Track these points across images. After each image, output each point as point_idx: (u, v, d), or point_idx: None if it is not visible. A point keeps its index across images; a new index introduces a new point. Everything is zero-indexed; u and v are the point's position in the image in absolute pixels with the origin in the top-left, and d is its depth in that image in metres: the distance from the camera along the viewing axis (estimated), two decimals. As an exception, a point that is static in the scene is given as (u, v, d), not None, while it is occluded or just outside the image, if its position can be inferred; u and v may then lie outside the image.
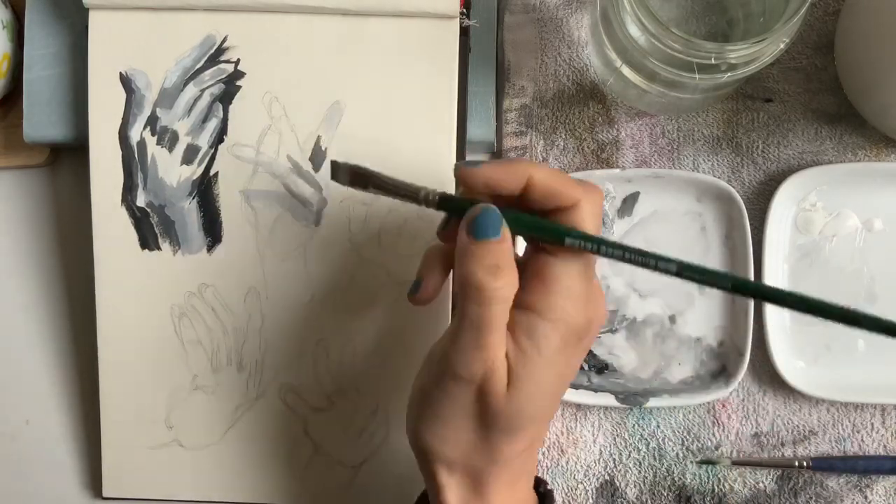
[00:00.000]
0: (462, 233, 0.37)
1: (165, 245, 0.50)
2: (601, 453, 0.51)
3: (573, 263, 0.37)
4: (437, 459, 0.39)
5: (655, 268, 0.36)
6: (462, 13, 0.48)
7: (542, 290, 0.37)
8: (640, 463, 0.51)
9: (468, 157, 0.50)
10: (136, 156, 0.50)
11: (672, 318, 0.51)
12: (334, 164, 0.39)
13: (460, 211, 0.38)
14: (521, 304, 0.37)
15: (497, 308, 0.36)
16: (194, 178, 0.50)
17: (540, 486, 0.43)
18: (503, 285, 0.36)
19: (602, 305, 0.39)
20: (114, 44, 0.49)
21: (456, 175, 0.38)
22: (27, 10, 0.51)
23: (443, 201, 0.38)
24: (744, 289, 0.37)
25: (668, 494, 0.51)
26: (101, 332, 0.50)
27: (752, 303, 0.50)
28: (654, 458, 0.51)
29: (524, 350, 0.37)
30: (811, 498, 0.51)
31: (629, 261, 0.36)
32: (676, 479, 0.51)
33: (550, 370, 0.37)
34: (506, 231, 0.37)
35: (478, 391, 0.37)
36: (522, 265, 0.38)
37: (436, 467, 0.39)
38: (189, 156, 0.50)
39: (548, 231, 0.37)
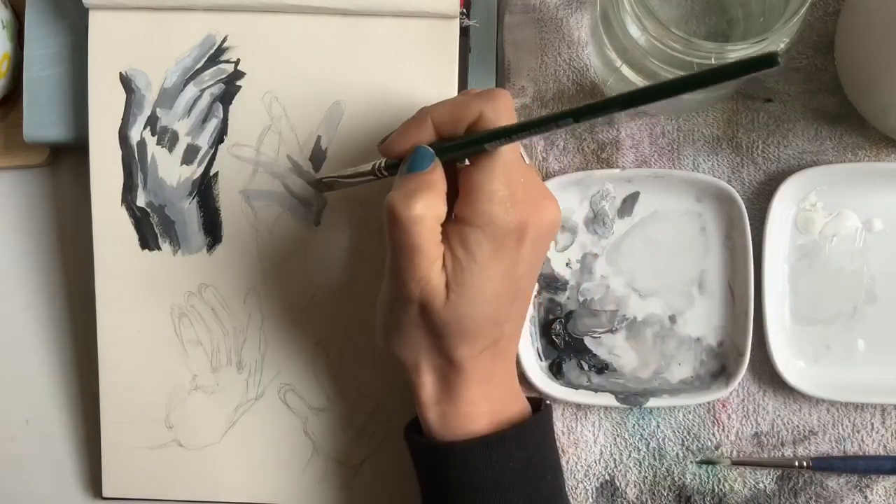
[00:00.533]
0: (400, 170, 0.40)
1: (165, 245, 0.50)
2: (601, 453, 0.51)
3: (491, 167, 0.39)
4: (407, 365, 0.43)
5: (557, 126, 0.37)
6: (462, 13, 0.48)
7: (467, 201, 0.39)
8: (640, 463, 0.51)
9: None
10: (136, 156, 0.50)
11: (672, 318, 0.51)
12: (316, 184, 0.47)
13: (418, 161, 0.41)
14: (454, 218, 0.40)
15: (414, 230, 0.38)
16: (194, 178, 0.50)
17: (541, 405, 0.45)
18: (419, 209, 0.38)
19: (543, 205, 0.41)
20: (114, 44, 0.49)
21: (380, 151, 0.42)
22: (27, 10, 0.51)
23: (389, 167, 0.42)
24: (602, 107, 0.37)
25: (668, 494, 0.51)
26: (101, 332, 0.50)
27: (751, 303, 0.50)
28: (655, 458, 0.51)
29: (459, 259, 0.39)
30: (811, 498, 0.51)
31: (535, 131, 0.37)
32: (676, 479, 0.51)
33: (489, 273, 0.39)
34: (435, 164, 0.39)
35: (420, 307, 0.40)
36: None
37: (408, 370, 0.43)
38: (189, 156, 0.50)
39: (460, 146, 0.39)
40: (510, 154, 0.39)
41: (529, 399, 0.45)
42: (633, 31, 0.43)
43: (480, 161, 0.39)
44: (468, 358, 0.41)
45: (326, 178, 0.47)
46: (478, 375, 0.42)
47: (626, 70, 0.48)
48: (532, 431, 0.43)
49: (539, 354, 0.51)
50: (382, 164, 0.43)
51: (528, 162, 0.42)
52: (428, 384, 0.43)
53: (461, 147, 0.39)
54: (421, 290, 0.39)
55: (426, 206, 0.38)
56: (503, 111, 0.39)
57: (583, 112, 0.36)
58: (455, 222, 0.40)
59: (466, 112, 0.39)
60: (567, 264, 0.52)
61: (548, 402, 0.46)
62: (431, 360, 0.42)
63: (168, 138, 0.50)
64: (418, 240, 0.38)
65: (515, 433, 0.42)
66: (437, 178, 0.39)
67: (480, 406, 0.42)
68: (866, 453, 0.51)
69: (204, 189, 0.50)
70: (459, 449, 0.42)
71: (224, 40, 0.49)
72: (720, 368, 0.51)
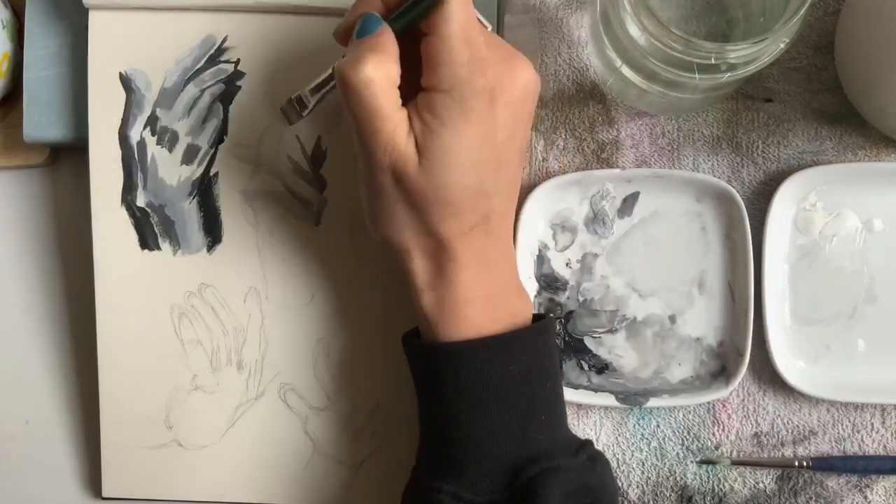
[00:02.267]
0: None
1: (165, 245, 0.50)
2: (604, 453, 0.51)
3: (447, 30, 0.38)
4: (398, 248, 0.42)
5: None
6: (462, 13, 0.48)
7: (429, 68, 0.39)
8: (643, 463, 0.51)
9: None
10: (136, 156, 0.50)
11: (672, 318, 0.51)
12: (283, 110, 0.43)
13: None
14: (421, 88, 0.39)
15: (368, 92, 0.38)
16: (194, 178, 0.50)
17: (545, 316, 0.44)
18: (369, 71, 0.38)
19: (512, 64, 0.40)
20: (114, 44, 0.49)
21: (336, 39, 0.41)
22: (27, 10, 0.51)
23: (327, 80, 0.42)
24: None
25: (670, 495, 0.51)
26: (101, 331, 0.50)
27: (751, 303, 0.50)
28: (657, 458, 0.51)
29: (428, 124, 0.39)
30: (811, 498, 0.51)
31: None
32: (678, 479, 0.51)
33: (464, 138, 0.39)
34: (384, 29, 0.39)
35: (393, 176, 0.39)
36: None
37: (400, 256, 0.42)
38: (189, 156, 0.50)
39: (406, 9, 0.39)
40: (463, 12, 0.38)
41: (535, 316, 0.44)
42: (633, 31, 0.43)
43: (436, 26, 0.38)
44: (457, 235, 0.40)
45: (293, 97, 0.43)
46: (471, 256, 0.41)
47: (626, 70, 0.48)
48: (535, 338, 0.42)
49: (539, 354, 0.51)
50: (334, 67, 0.41)
51: (488, 28, 0.42)
52: (420, 269, 0.41)
53: (408, 10, 0.39)
54: (389, 155, 0.39)
55: (375, 67, 0.38)
56: None
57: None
58: (422, 92, 0.39)
59: None
60: (567, 264, 0.52)
61: (552, 314, 0.45)
62: (419, 240, 0.41)
63: (168, 138, 0.50)
64: (374, 102, 0.38)
65: (517, 337, 0.41)
66: (384, 39, 0.39)
67: (476, 290, 0.41)
68: (866, 453, 0.51)
69: (204, 189, 0.50)
70: (458, 348, 0.41)
71: (224, 40, 0.49)
72: (720, 368, 0.51)
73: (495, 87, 0.39)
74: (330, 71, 0.42)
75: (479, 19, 0.41)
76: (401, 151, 0.39)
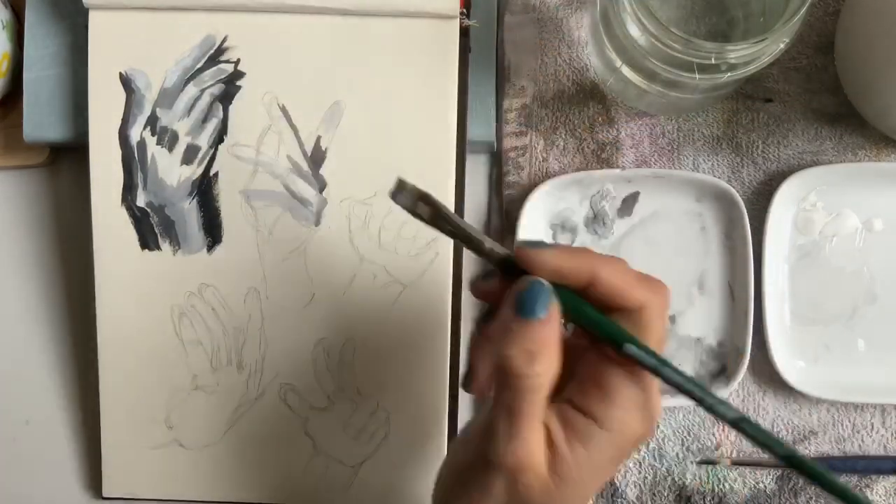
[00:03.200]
0: (507, 306, 0.34)
1: (165, 245, 0.50)
2: (601, 453, 0.51)
3: (638, 370, 0.34)
4: None
5: (711, 409, 0.34)
6: (462, 13, 0.48)
7: (601, 399, 0.34)
8: (640, 463, 0.51)
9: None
10: (136, 156, 0.50)
11: (672, 318, 0.51)
12: (400, 183, 0.35)
13: (519, 275, 0.34)
14: (578, 406, 0.34)
15: (531, 397, 0.33)
16: (194, 178, 0.50)
17: None
18: (540, 373, 0.33)
19: (658, 407, 0.35)
20: (114, 44, 0.49)
21: (516, 255, 0.34)
22: (27, 10, 0.51)
23: (504, 262, 0.35)
24: (799, 465, 0.35)
25: (668, 494, 0.51)
26: (101, 332, 0.50)
27: (752, 303, 0.50)
28: (655, 458, 0.51)
29: (576, 455, 0.34)
30: (811, 498, 0.51)
31: (686, 393, 0.33)
32: (677, 479, 0.51)
33: (597, 476, 0.35)
34: (553, 311, 0.34)
35: (510, 483, 0.34)
36: (570, 349, 0.35)
37: None
38: (189, 156, 0.50)
39: (607, 332, 0.34)
40: (659, 346, 0.34)
41: None
42: (633, 31, 0.43)
43: (629, 365, 0.34)
44: None
45: (429, 199, 0.35)
46: None
47: (626, 70, 0.48)
48: None
49: (539, 354, 0.51)
50: (499, 254, 0.35)
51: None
52: None
53: (605, 332, 0.34)
54: (519, 463, 0.33)
55: (546, 372, 0.33)
56: (661, 316, 0.34)
57: (743, 422, 0.34)
58: (580, 414, 0.34)
59: (629, 296, 0.34)
60: (567, 264, 0.52)
61: None
62: None
63: (168, 138, 0.50)
64: (530, 408, 0.33)
65: None
66: (555, 330, 0.34)
67: None
68: (866, 453, 0.51)
69: (204, 189, 0.50)
70: None
71: (224, 40, 0.49)
72: (720, 368, 0.51)
73: (646, 433, 0.35)
74: (484, 241, 0.35)
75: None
76: (533, 464, 0.34)
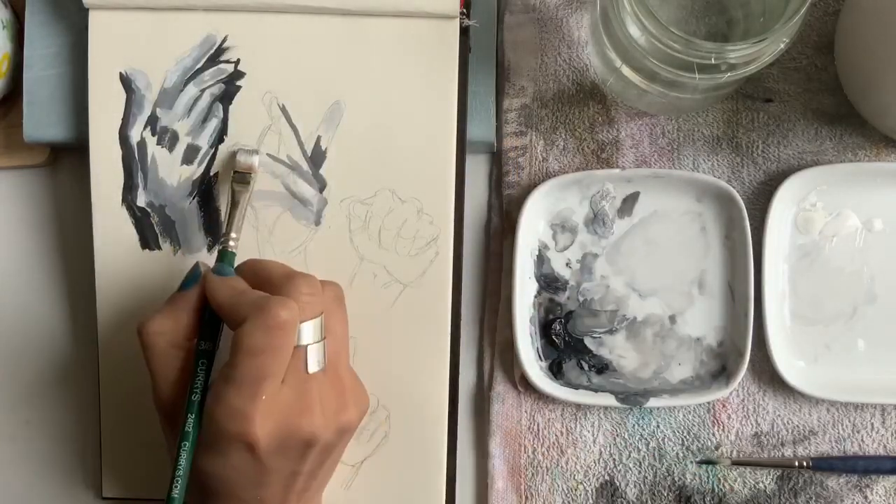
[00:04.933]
0: None
1: (166, 245, 0.50)
2: (601, 453, 0.51)
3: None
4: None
5: None
6: (462, 13, 0.48)
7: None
8: (640, 463, 0.51)
9: (468, 158, 0.50)
10: (136, 156, 0.50)
11: (672, 318, 0.51)
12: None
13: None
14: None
15: (150, 355, 0.42)
16: (194, 178, 0.50)
17: None
18: (155, 332, 0.42)
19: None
20: (114, 44, 0.49)
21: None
22: (27, 10, 0.51)
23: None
24: None
25: (668, 494, 0.51)
26: (101, 332, 0.50)
27: (752, 303, 0.50)
28: (654, 458, 0.51)
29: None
30: (811, 498, 0.51)
31: None
32: (677, 479, 0.51)
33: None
34: (195, 289, 0.43)
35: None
36: None
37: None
38: (189, 156, 0.50)
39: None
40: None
41: None
42: (633, 31, 0.43)
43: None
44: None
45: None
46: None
47: (626, 70, 0.48)
48: None
49: (539, 354, 0.51)
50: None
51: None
52: None
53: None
54: (158, 402, 0.44)
55: (161, 327, 0.42)
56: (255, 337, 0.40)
57: None
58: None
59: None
60: (567, 264, 0.52)
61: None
62: None
63: (168, 138, 0.50)
64: (152, 360, 0.42)
65: None
66: (184, 298, 0.43)
67: None
68: (866, 453, 0.51)
69: (204, 189, 0.50)
70: None
71: (224, 40, 0.49)
72: (720, 368, 0.51)
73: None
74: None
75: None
76: (168, 408, 0.44)
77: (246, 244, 0.50)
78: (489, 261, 0.53)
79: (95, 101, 0.49)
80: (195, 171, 0.50)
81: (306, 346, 0.41)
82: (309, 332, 0.41)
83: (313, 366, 0.41)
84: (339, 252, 0.50)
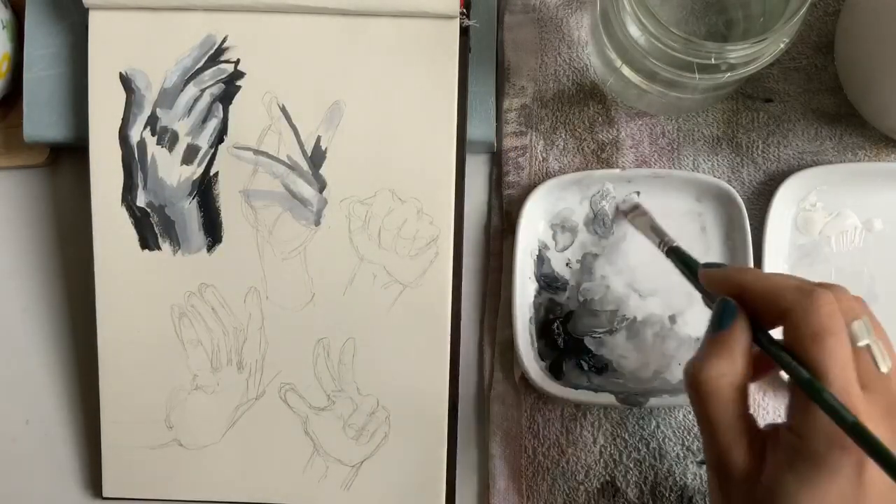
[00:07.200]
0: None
1: (165, 245, 0.50)
2: (601, 454, 0.51)
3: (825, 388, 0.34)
4: None
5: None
6: (462, 13, 0.48)
7: (795, 407, 0.35)
8: (640, 463, 0.51)
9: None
10: (136, 156, 0.50)
11: (672, 318, 0.51)
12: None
13: (686, 266, 0.44)
14: (791, 429, 0.35)
15: (713, 401, 0.36)
16: (194, 178, 0.50)
17: None
18: (716, 375, 0.36)
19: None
20: (114, 44, 0.49)
21: (700, 279, 0.40)
22: (27, 10, 0.51)
23: (671, 252, 0.45)
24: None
25: (669, 495, 0.51)
26: (101, 332, 0.50)
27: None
28: (655, 459, 0.51)
29: (778, 461, 0.35)
30: (811, 498, 0.51)
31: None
32: (678, 479, 0.51)
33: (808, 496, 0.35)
34: (738, 323, 0.37)
35: (714, 481, 0.37)
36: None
37: None
38: (189, 156, 0.50)
39: (792, 375, 0.35)
40: (842, 363, 0.34)
41: None
42: (633, 31, 0.43)
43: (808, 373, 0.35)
44: None
45: (632, 206, 0.49)
46: None
47: (626, 70, 0.48)
48: None
49: (539, 354, 0.51)
50: (667, 247, 0.45)
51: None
52: None
53: (789, 372, 0.35)
54: (717, 462, 0.36)
55: (727, 374, 0.36)
56: (822, 327, 0.34)
57: None
58: (796, 438, 0.35)
59: (775, 305, 0.36)
60: (567, 264, 0.52)
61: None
62: None
63: (168, 138, 0.50)
64: (715, 413, 0.36)
65: None
66: (734, 338, 0.36)
67: None
68: (866, 453, 0.51)
69: (204, 189, 0.50)
70: None
71: (224, 40, 0.49)
72: (720, 368, 0.51)
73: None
74: (659, 241, 0.46)
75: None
76: (732, 468, 0.36)
77: (245, 244, 0.50)
78: (489, 261, 0.53)
79: (95, 101, 0.49)
80: (195, 171, 0.50)
81: (867, 345, 0.36)
82: (863, 330, 0.36)
83: (883, 365, 0.36)
84: (338, 252, 0.50)
